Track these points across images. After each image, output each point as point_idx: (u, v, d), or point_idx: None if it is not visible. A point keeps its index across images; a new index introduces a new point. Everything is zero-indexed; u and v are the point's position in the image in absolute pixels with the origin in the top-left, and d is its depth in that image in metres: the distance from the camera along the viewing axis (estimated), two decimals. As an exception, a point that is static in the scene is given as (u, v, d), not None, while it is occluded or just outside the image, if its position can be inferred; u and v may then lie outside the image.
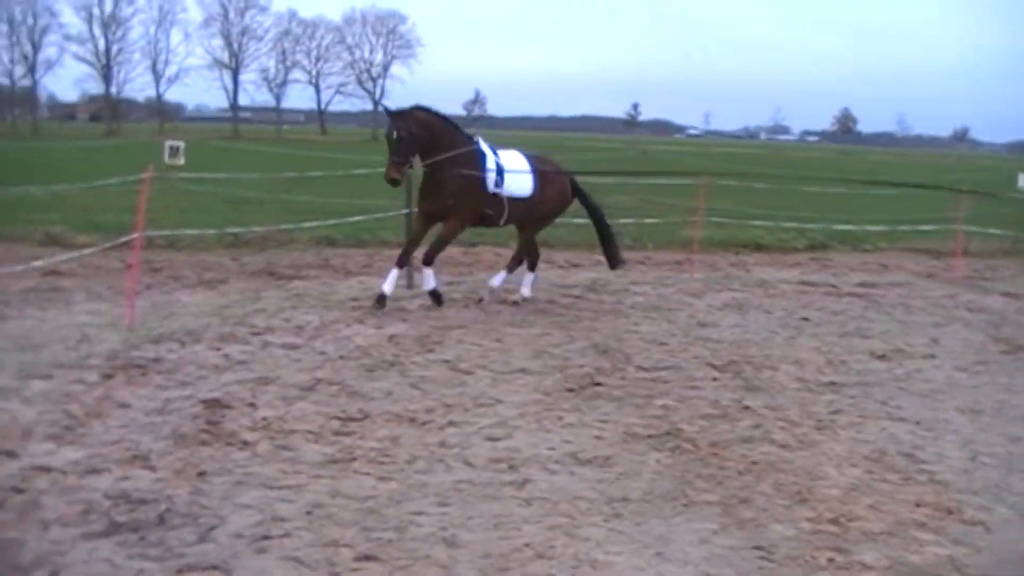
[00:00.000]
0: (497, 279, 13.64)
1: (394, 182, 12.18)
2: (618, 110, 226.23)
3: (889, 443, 7.95)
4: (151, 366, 9.26)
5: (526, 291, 13.59)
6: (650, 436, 7.83)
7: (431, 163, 12.42)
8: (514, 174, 12.93)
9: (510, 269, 13.81)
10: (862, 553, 5.87)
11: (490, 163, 12.75)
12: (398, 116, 12.21)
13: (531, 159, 13.47)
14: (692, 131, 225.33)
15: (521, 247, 13.90)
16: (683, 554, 5.77)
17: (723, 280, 15.98)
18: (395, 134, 12.04)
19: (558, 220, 19.31)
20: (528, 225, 13.68)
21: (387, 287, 12.38)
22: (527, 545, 5.79)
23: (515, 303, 13.24)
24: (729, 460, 7.35)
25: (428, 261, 12.62)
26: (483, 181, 12.62)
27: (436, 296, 12.73)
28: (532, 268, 13.91)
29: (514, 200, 12.94)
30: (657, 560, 5.69)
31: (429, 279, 12.68)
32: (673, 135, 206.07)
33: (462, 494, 6.54)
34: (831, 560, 5.77)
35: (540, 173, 13.32)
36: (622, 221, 19.42)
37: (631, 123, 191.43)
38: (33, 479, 6.46)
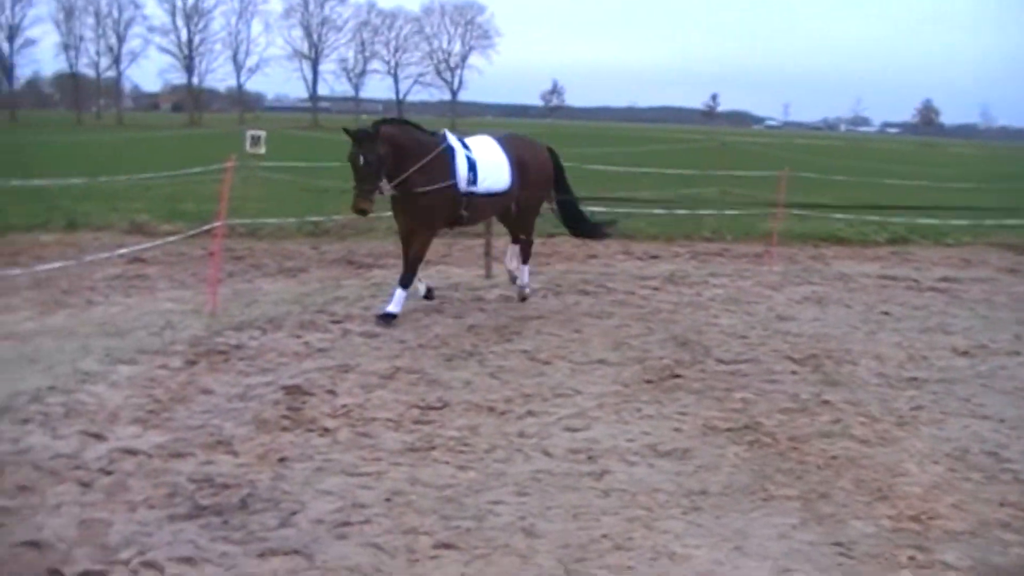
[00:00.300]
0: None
1: (362, 212, 10.70)
2: (697, 101, 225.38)
3: (972, 441, 7.84)
4: (233, 352, 9.39)
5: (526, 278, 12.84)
6: (729, 429, 7.80)
7: (400, 181, 10.93)
8: (488, 168, 11.64)
9: (524, 260, 12.90)
10: (944, 552, 5.80)
11: (460, 160, 11.39)
12: (363, 139, 10.68)
13: (504, 145, 12.12)
14: (771, 122, 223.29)
15: (524, 242, 12.90)
16: (762, 548, 5.75)
17: (802, 273, 15.82)
18: (361, 159, 10.54)
19: (636, 210, 19.37)
20: (519, 217, 12.72)
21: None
22: (605, 536, 5.80)
23: (522, 299, 12.57)
24: (809, 455, 7.30)
25: (405, 284, 11.26)
26: (455, 187, 11.30)
27: (388, 319, 11.02)
28: (526, 260, 12.98)
29: (491, 196, 11.75)
30: (736, 554, 5.67)
31: (398, 302, 11.16)
32: (751, 126, 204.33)
33: (541, 484, 6.56)
34: (912, 559, 5.71)
35: (517, 160, 12.05)
36: (702, 212, 19.35)
37: (710, 114, 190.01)
38: (120, 461, 6.60)
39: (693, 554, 5.63)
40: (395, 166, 10.85)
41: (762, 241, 18.11)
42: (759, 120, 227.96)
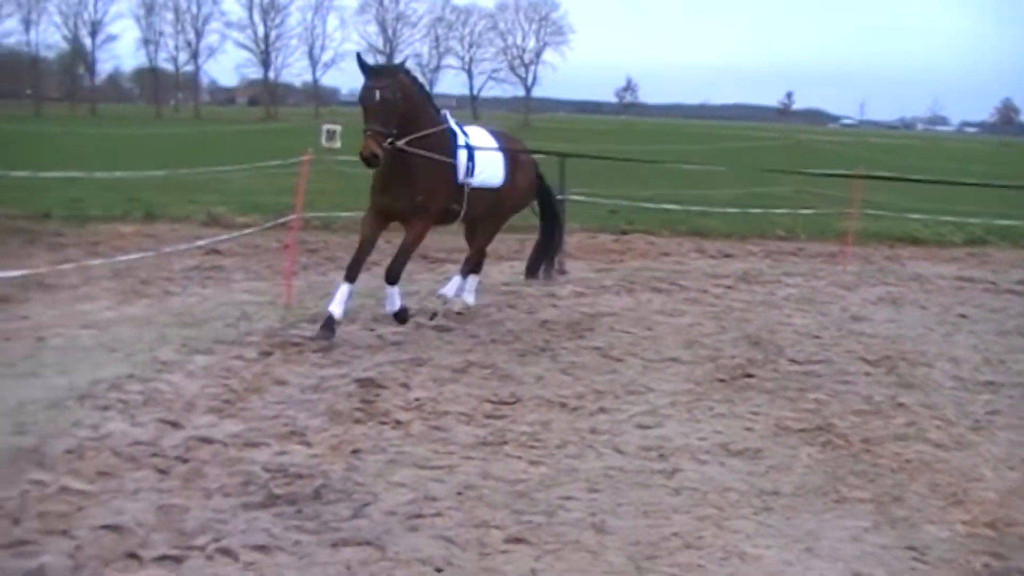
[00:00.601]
0: (451, 287, 11.50)
1: (373, 160, 9.38)
2: (771, 99, 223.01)
3: (1051, 446, 7.73)
4: (307, 345, 9.47)
5: (470, 298, 11.55)
6: (802, 430, 7.75)
7: (404, 144, 9.64)
8: (486, 160, 10.59)
9: (475, 270, 11.73)
10: (1020, 560, 5.72)
11: (460, 143, 10.39)
12: (382, 73, 9.68)
13: (499, 139, 11.15)
14: (846, 120, 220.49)
15: (477, 249, 11.75)
16: (834, 551, 5.70)
17: (877, 273, 15.68)
18: (378, 94, 9.40)
19: (710, 209, 19.29)
20: (487, 223, 11.50)
21: (336, 308, 9.82)
22: (676, 534, 5.79)
23: (458, 313, 11.21)
24: (882, 457, 7.23)
25: (393, 279, 10.08)
26: (455, 171, 10.25)
27: (402, 316, 10.29)
28: (476, 270, 11.80)
29: (483, 191, 10.63)
30: (807, 556, 5.63)
31: (394, 298, 10.19)
32: (827, 124, 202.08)
33: (612, 481, 6.57)
34: (986, 565, 5.63)
35: (511, 158, 11.06)
36: (776, 211, 19.21)
37: (784, 112, 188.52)
38: (196, 449, 6.70)
39: (764, 554, 5.60)
40: (403, 123, 9.63)
41: (837, 240, 17.95)
42: (834, 118, 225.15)
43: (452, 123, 10.44)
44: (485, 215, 11.16)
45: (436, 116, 10.24)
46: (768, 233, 18.83)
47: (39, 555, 5.12)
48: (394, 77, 9.61)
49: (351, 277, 9.92)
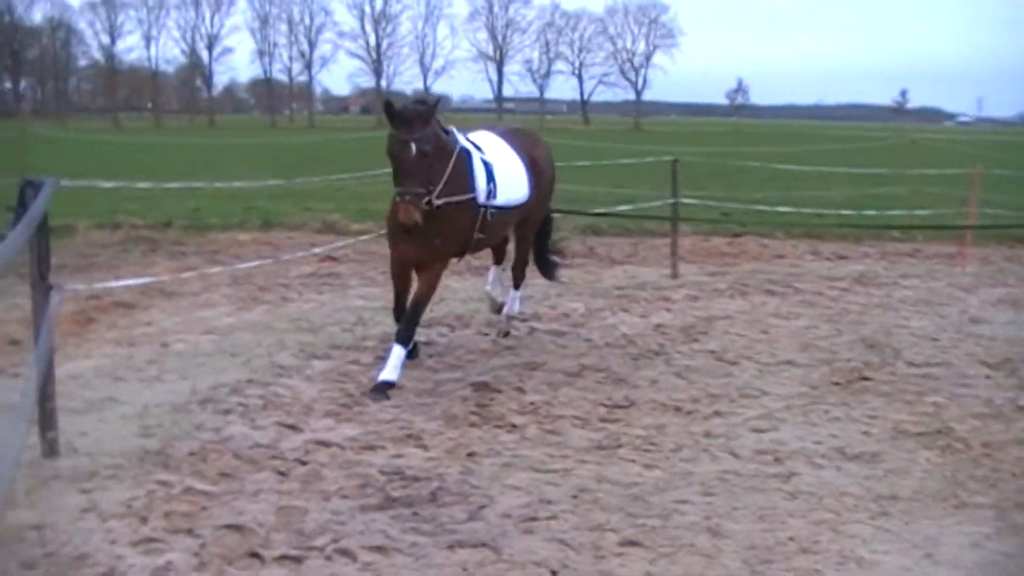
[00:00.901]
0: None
1: (412, 225, 7.93)
2: (885, 97, 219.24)
3: None
4: (422, 349, 9.57)
5: (516, 306, 10.65)
6: (920, 434, 7.61)
7: (440, 199, 8.29)
8: (507, 176, 9.18)
9: (516, 285, 10.65)
10: None
11: (477, 166, 8.86)
12: (415, 121, 8.04)
13: (512, 142, 9.68)
14: (963, 118, 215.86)
15: (518, 263, 10.62)
16: (953, 557, 5.59)
17: (997, 275, 15.33)
18: (414, 149, 7.93)
19: (824, 210, 19.03)
20: (522, 234, 10.42)
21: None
22: (792, 539, 5.74)
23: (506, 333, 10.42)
24: (1003, 462, 7.06)
25: (406, 339, 8.51)
26: (475, 201, 8.76)
27: (386, 387, 8.21)
28: (517, 285, 10.69)
29: (506, 210, 9.23)
30: (926, 562, 5.53)
31: (399, 365, 8.37)
32: (943, 123, 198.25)
33: (727, 484, 6.53)
34: (1112, 572, 5.52)
35: (530, 161, 9.63)
36: (892, 212, 18.92)
37: (899, 111, 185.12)
38: (315, 452, 6.83)
39: (881, 560, 5.52)
40: (431, 167, 8.21)
41: (955, 241, 17.60)
42: (950, 116, 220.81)
43: (461, 140, 8.91)
44: (509, 234, 10.27)
45: (449, 142, 8.60)
46: (884, 235, 18.53)
47: (165, 553, 5.27)
48: (427, 124, 8.09)
49: (405, 340, 8.52)
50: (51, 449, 6.60)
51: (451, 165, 8.40)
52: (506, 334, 10.37)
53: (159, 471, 6.41)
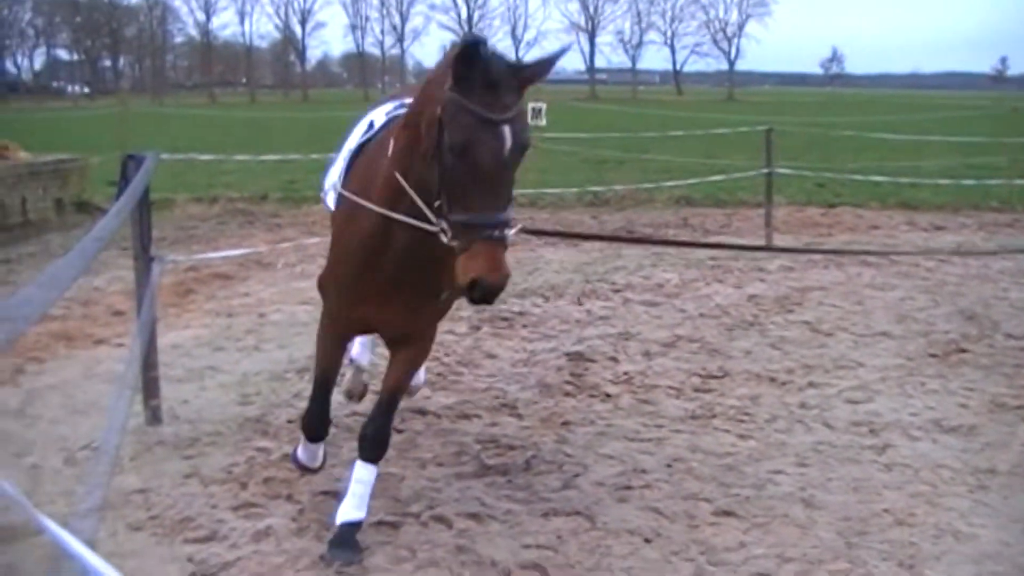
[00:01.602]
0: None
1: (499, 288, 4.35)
2: (984, 65, 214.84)
3: None
4: (517, 319, 9.62)
5: None
6: (1019, 407, 7.46)
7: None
8: None
9: None
10: None
11: None
12: (517, 87, 4.08)
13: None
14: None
15: None
16: (1055, 532, 5.52)
17: (1101, 245, 15.00)
18: (511, 140, 4.03)
19: (920, 180, 18.71)
20: None
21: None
22: (887, 511, 5.68)
23: None
24: (1109, 436, 6.95)
25: (378, 455, 5.32)
26: None
27: (353, 529, 5.15)
28: None
29: None
30: (1026, 536, 5.47)
31: (365, 499, 5.20)
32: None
33: (821, 455, 6.49)
34: None
35: None
36: (990, 182, 18.56)
37: (999, 79, 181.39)
38: (411, 421, 6.90)
39: (979, 533, 5.44)
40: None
41: (1057, 211, 17.23)
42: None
43: None
44: None
45: None
46: (982, 205, 18.18)
47: (265, 517, 5.38)
48: (521, 96, 4.17)
49: (315, 437, 5.70)
50: (154, 416, 6.77)
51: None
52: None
53: (258, 438, 6.54)
